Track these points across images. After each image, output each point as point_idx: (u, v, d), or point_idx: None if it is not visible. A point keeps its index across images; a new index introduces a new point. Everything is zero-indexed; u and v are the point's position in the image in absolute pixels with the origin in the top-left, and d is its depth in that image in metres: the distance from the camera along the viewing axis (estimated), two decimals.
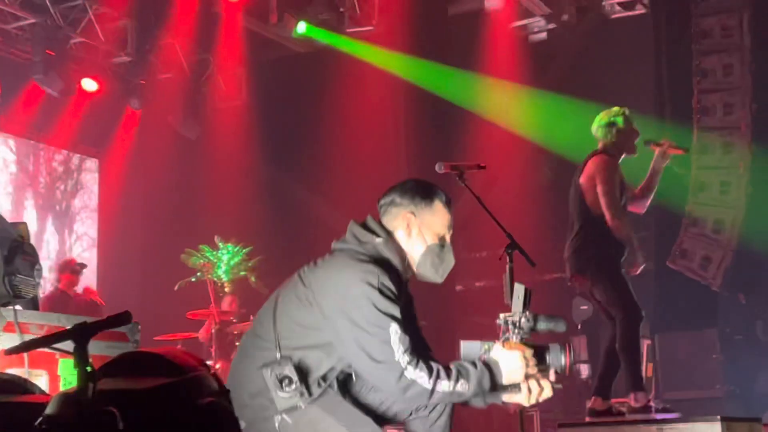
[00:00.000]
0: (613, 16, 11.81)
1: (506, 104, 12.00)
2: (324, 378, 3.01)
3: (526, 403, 3.08)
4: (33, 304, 3.33)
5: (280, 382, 2.93)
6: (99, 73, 11.67)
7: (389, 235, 3.17)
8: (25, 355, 3.05)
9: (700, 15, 10.44)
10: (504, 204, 10.32)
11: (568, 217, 7.07)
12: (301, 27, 11.38)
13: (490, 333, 10.76)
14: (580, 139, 11.34)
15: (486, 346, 3.07)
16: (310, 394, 2.96)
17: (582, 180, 5.99)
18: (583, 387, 11.48)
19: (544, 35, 12.48)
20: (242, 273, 10.62)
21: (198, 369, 1.86)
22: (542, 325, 3.09)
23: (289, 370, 2.93)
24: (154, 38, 11.84)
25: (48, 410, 1.76)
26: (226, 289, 10.50)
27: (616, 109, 6.21)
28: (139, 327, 3.60)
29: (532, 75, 11.95)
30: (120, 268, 12.42)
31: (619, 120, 6.12)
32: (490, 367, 2.99)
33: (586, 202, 5.94)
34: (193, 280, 10.09)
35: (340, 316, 2.97)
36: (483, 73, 11.84)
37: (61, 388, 3.21)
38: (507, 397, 3.10)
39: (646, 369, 10.42)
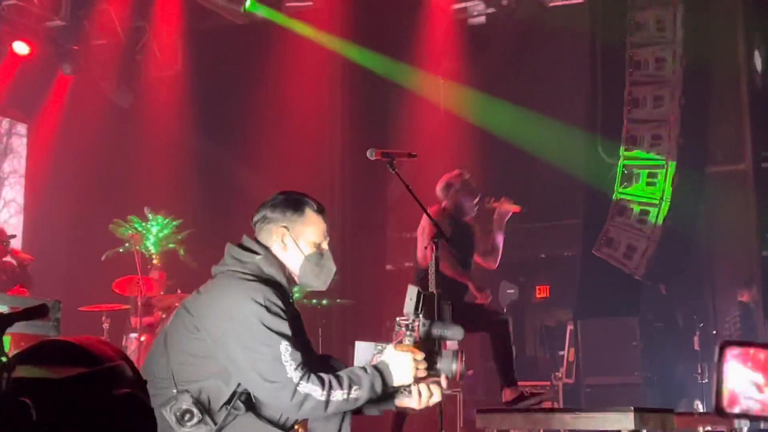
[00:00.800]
0: (551, 4, 11.92)
1: (442, 87, 12.07)
2: (228, 404, 2.99)
3: (416, 407, 3.09)
4: None
5: (181, 417, 2.90)
6: (31, 36, 11.43)
7: (267, 251, 3.17)
8: None
9: (636, 7, 10.60)
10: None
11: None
12: (248, 2, 11.34)
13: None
14: (514, 128, 11.53)
15: (379, 347, 3.07)
16: (215, 423, 2.95)
17: (417, 233, 6.47)
18: None
19: (482, 19, 12.55)
20: (171, 246, 10.54)
21: (115, 359, 1.87)
22: (436, 331, 3.11)
23: (188, 404, 2.90)
24: (90, 3, 11.63)
25: None
26: (155, 261, 10.42)
27: (456, 171, 6.66)
28: (61, 305, 3.57)
29: (469, 59, 12.02)
30: (47, 236, 12.23)
31: (456, 182, 6.55)
32: (380, 371, 3.00)
33: (417, 252, 6.47)
34: (121, 250, 9.98)
35: (230, 338, 2.95)
36: (420, 54, 11.88)
37: None
38: (398, 401, 3.12)
39: (568, 354, 10.65)
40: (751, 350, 2.26)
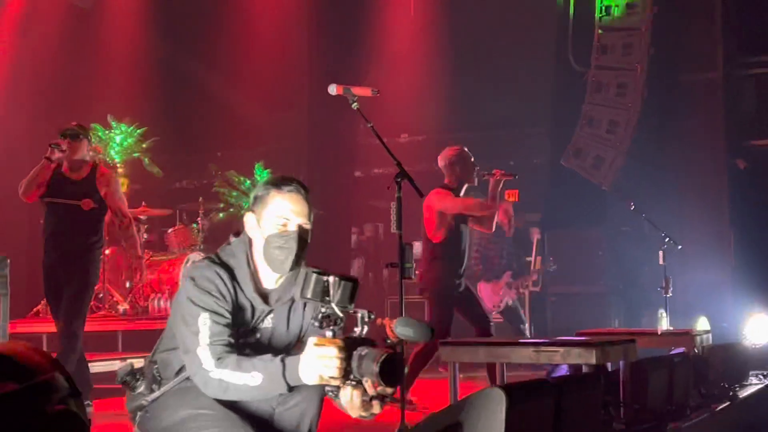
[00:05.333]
0: None
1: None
2: (178, 374, 3.02)
3: (352, 414, 2.71)
4: None
5: (122, 382, 2.99)
6: None
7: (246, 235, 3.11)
8: None
9: None
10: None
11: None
12: None
13: (384, 217, 10.80)
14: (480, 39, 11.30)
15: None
16: (151, 390, 3.00)
17: (424, 210, 6.59)
18: None
19: None
20: (135, 154, 10.39)
21: (48, 370, 1.79)
22: (398, 329, 2.71)
23: (127, 372, 2.99)
24: None
25: None
26: (120, 170, 10.27)
27: (455, 148, 6.68)
28: (8, 261, 3.47)
29: None
30: (6, 143, 11.98)
31: (457, 159, 6.59)
32: (285, 363, 2.72)
33: (425, 230, 6.63)
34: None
35: (174, 312, 3.03)
36: None
37: None
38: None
39: (535, 262, 10.70)
40: None
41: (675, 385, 5.45)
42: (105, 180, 6.37)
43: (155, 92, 11.62)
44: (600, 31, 10.25)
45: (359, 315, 2.66)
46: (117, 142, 10.28)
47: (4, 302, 3.31)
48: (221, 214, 10.62)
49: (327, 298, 2.69)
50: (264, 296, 3.04)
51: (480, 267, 9.78)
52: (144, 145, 10.43)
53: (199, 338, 2.84)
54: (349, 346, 2.60)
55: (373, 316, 2.67)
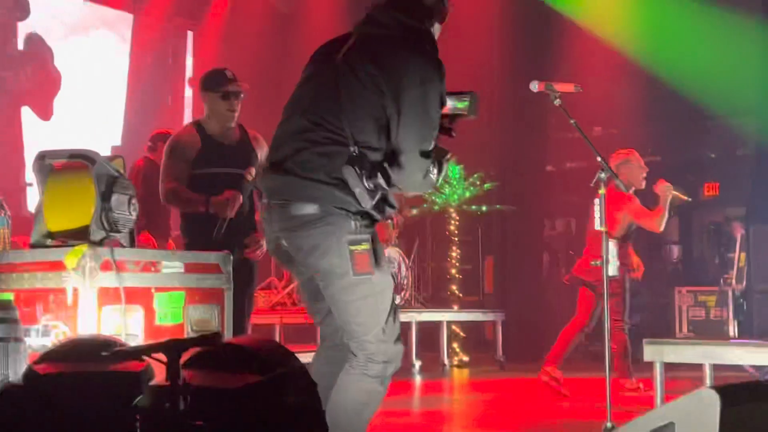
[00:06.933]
0: None
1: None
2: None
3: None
4: (129, 238, 3.40)
5: (369, 174, 3.04)
6: None
7: None
8: (121, 291, 3.16)
9: None
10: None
11: None
12: None
13: (581, 212, 10.54)
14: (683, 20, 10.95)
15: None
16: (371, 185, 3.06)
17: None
18: None
19: None
20: None
21: (286, 362, 1.89)
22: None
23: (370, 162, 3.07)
24: None
25: (141, 401, 1.83)
26: None
27: (623, 152, 7.25)
28: (231, 257, 3.66)
29: None
30: None
31: (622, 163, 7.12)
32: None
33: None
34: None
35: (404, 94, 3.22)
36: None
37: (157, 322, 3.31)
38: None
39: (738, 259, 10.29)
40: None
41: None
42: (260, 143, 5.27)
43: None
44: None
45: None
46: None
47: (228, 297, 3.50)
48: (414, 210, 10.70)
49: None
50: None
51: None
52: None
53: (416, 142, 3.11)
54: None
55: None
